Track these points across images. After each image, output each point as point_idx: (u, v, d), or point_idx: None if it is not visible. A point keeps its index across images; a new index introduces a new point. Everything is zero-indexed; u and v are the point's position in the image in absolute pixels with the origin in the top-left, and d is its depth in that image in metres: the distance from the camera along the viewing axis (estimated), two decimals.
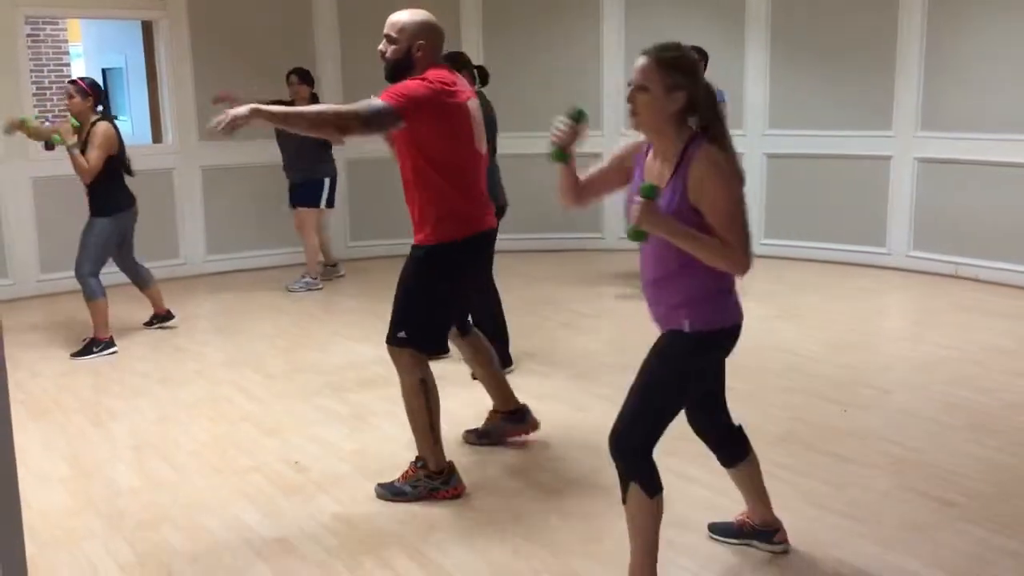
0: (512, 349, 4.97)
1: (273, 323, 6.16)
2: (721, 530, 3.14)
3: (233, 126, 3.08)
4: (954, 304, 6.38)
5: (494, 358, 4.00)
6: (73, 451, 3.99)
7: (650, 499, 2.62)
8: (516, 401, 4.01)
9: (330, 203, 7.09)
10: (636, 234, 2.46)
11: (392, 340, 3.46)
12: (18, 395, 4.71)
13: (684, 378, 2.69)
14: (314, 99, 6.92)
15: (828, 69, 7.58)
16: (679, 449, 3.87)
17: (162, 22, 7.39)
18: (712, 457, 3.79)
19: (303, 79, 6.92)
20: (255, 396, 4.68)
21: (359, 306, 6.66)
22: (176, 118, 7.51)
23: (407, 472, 3.54)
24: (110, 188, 5.45)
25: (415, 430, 3.52)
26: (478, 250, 3.59)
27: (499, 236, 3.79)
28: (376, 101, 3.21)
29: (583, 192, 2.81)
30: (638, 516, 2.66)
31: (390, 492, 3.49)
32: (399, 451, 3.91)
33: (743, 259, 2.47)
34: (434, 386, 3.49)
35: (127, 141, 5.65)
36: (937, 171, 7.17)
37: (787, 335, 5.71)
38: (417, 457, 3.53)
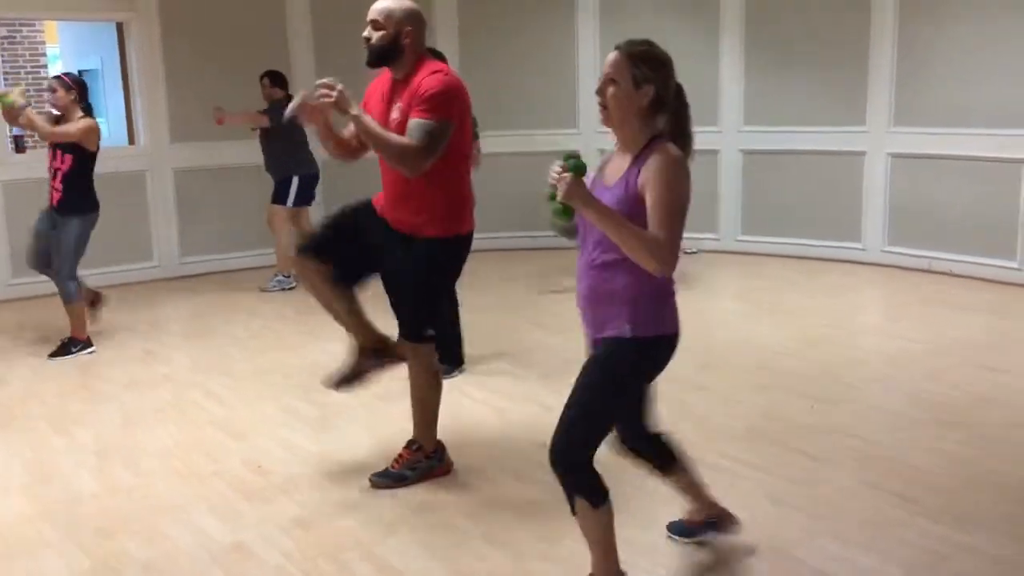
0: (484, 349, 4.96)
1: (245, 325, 6.12)
2: (678, 530, 3.12)
3: (338, 106, 3.21)
4: (927, 298, 6.40)
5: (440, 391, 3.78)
6: (35, 458, 3.96)
7: (596, 509, 2.58)
8: (436, 440, 3.71)
9: (302, 202, 7.01)
10: (562, 211, 2.40)
11: (417, 338, 3.53)
12: None
13: (621, 386, 2.62)
14: (288, 100, 6.88)
15: (802, 65, 7.59)
16: None
17: (133, 24, 7.35)
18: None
19: (275, 82, 6.90)
20: (223, 400, 4.65)
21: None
22: (148, 120, 7.47)
23: (402, 456, 3.62)
24: (86, 187, 5.40)
25: (423, 418, 3.63)
26: (470, 245, 3.62)
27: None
28: (425, 122, 3.27)
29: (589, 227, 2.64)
30: (589, 527, 2.64)
31: (391, 479, 3.56)
32: (362, 454, 3.91)
33: (669, 257, 2.40)
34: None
35: (104, 143, 5.62)
36: (911, 166, 7.19)
37: (761, 331, 5.71)
38: (411, 441, 3.64)
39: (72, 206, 5.38)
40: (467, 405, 4.46)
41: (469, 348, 4.98)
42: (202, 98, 7.33)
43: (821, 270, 7.34)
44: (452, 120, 3.33)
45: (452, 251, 3.52)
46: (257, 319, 6.29)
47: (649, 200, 2.43)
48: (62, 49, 12.94)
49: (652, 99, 2.51)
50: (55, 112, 5.41)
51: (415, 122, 3.29)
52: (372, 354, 3.70)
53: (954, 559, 2.95)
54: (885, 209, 7.36)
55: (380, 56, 3.42)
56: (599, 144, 7.07)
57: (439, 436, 3.70)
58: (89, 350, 5.45)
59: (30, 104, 5.37)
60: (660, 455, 2.96)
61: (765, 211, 7.92)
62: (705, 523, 3.06)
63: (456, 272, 3.64)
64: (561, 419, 2.57)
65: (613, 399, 2.61)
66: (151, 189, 7.51)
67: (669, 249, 2.40)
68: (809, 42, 7.52)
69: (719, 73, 7.90)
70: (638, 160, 2.50)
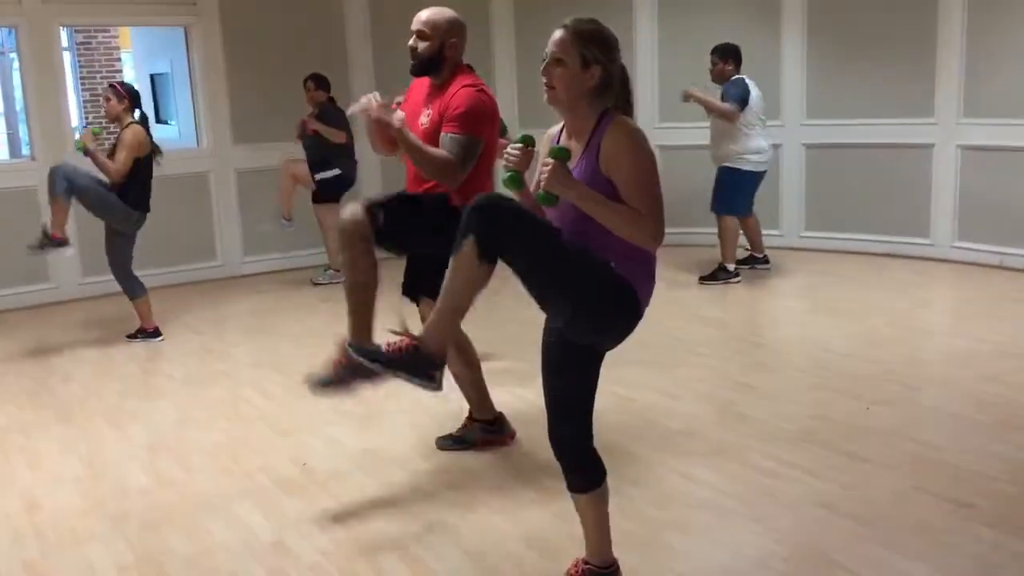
0: (492, 344, 4.95)
1: (303, 323, 6.20)
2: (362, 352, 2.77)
3: (379, 122, 3.32)
4: (997, 296, 6.17)
5: (477, 362, 3.92)
6: (90, 452, 4.06)
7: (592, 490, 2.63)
8: (494, 410, 3.94)
9: (329, 192, 7.08)
10: (545, 198, 2.41)
11: None
12: (48, 399, 4.84)
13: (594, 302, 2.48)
14: (332, 103, 6.99)
15: (867, 56, 7.36)
16: (686, 449, 3.82)
17: (196, 28, 7.50)
18: (722, 455, 3.74)
19: (319, 84, 7.00)
20: (274, 396, 4.72)
21: (386, 304, 6.65)
22: (211, 122, 7.61)
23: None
24: (136, 190, 5.56)
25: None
26: None
27: None
28: (459, 137, 3.40)
29: (540, 209, 2.62)
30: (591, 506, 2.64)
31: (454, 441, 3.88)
32: (406, 452, 3.92)
33: (655, 228, 2.37)
34: None
35: (174, 145, 5.80)
36: (981, 159, 6.93)
37: (820, 330, 5.57)
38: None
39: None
40: (513, 404, 4.45)
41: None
42: (263, 100, 7.46)
43: (887, 267, 7.13)
44: (482, 137, 3.46)
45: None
46: (314, 317, 6.36)
47: (620, 176, 2.39)
48: (135, 54, 13.32)
49: (599, 80, 2.46)
50: (107, 121, 5.61)
51: (449, 137, 3.42)
52: (486, 426, 3.92)
53: (1009, 568, 2.83)
54: (955, 203, 7.11)
55: (426, 66, 3.55)
56: (655, 141, 6.98)
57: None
58: (158, 339, 5.68)
59: (102, 145, 5.62)
60: (582, 468, 2.64)
61: (829, 206, 7.72)
62: (596, 569, 2.70)
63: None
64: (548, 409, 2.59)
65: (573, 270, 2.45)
66: (214, 190, 7.66)
67: (655, 219, 2.38)
68: (874, 31, 7.29)
69: (780, 65, 7.72)
70: (593, 138, 2.46)
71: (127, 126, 5.54)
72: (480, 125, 3.47)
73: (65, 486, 3.71)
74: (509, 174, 2.50)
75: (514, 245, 2.40)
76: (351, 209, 3.45)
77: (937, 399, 4.36)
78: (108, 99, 5.55)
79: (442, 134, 3.45)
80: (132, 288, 5.67)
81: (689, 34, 7.85)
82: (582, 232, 2.43)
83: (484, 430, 3.92)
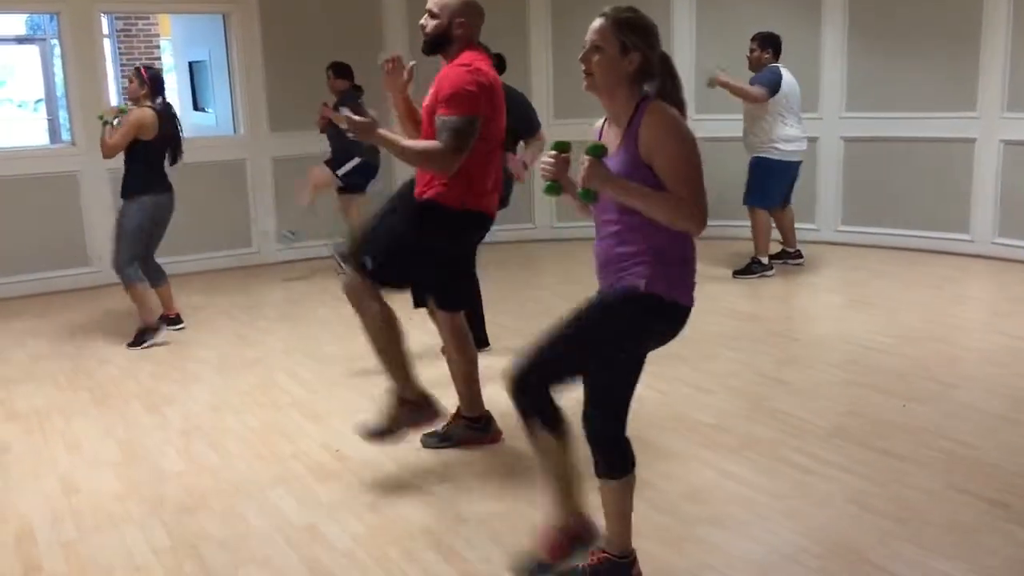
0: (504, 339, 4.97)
1: (335, 310, 6.21)
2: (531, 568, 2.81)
3: (357, 129, 3.26)
4: None
5: (474, 356, 3.89)
6: (127, 436, 4.13)
7: (554, 436, 2.59)
8: (483, 408, 3.89)
9: (353, 184, 7.11)
10: (585, 194, 2.43)
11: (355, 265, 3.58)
12: (86, 382, 4.91)
13: (623, 338, 2.52)
14: (357, 90, 7.01)
15: (908, 47, 7.26)
16: (719, 443, 3.81)
17: (234, 16, 7.56)
18: (754, 450, 3.73)
19: (338, 73, 6.99)
20: (307, 383, 4.76)
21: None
22: (248, 109, 7.68)
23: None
24: (139, 172, 5.52)
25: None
26: (475, 226, 3.65)
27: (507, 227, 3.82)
28: (448, 119, 3.32)
29: (585, 207, 2.66)
30: (544, 453, 2.64)
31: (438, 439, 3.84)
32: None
33: (698, 213, 2.39)
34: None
35: (211, 133, 5.79)
36: None
37: (855, 325, 5.52)
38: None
39: (125, 190, 5.55)
40: None
41: None
42: (300, 88, 7.49)
43: (925, 262, 7.04)
44: (474, 115, 3.35)
45: (439, 219, 3.52)
46: (347, 304, 6.34)
47: (661, 162, 2.40)
48: (174, 41, 13.41)
49: (638, 66, 2.47)
50: (129, 102, 5.63)
51: (439, 119, 3.35)
52: (411, 408, 3.68)
53: None
54: (996, 199, 7.00)
55: (433, 45, 3.52)
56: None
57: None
58: (159, 334, 5.53)
59: (111, 124, 5.56)
60: (611, 454, 2.66)
61: (867, 200, 7.63)
62: (613, 558, 2.69)
63: (442, 244, 3.62)
64: (535, 343, 2.55)
65: (609, 347, 2.52)
66: (251, 177, 7.73)
67: (697, 205, 2.39)
68: (916, 22, 7.19)
69: (820, 56, 7.63)
70: (631, 125, 2.46)
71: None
72: (468, 104, 3.33)
73: (102, 469, 3.77)
74: (548, 184, 2.53)
75: (560, 381, 2.53)
76: (343, 277, 3.62)
77: (973, 397, 4.30)
78: (131, 80, 5.61)
79: (436, 116, 3.37)
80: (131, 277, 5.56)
81: (727, 24, 7.79)
82: (626, 224, 2.46)
83: (468, 427, 3.87)
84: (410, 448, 3.86)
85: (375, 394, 4.52)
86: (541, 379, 2.54)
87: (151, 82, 5.58)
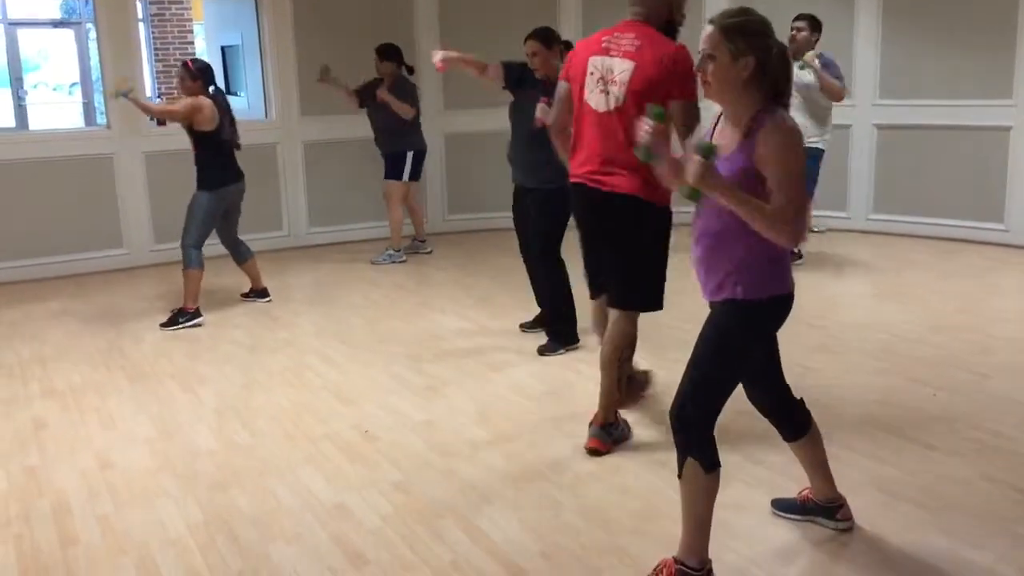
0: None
1: (364, 294, 6.29)
2: (784, 506, 3.10)
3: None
4: None
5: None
6: (161, 414, 4.19)
7: (706, 474, 2.58)
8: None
9: (414, 176, 7.15)
10: (691, 193, 2.44)
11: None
12: (120, 360, 4.98)
13: (740, 348, 2.64)
14: (410, 71, 7.02)
15: (943, 34, 7.17)
16: (745, 429, 3.80)
17: (266, 0, 7.59)
18: (777, 437, 3.70)
19: (384, 55, 6.93)
20: (338, 365, 4.80)
21: (449, 278, 6.74)
22: (279, 94, 7.72)
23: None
24: (213, 163, 5.66)
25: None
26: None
27: None
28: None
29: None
30: (692, 493, 2.61)
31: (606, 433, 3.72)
32: (467, 423, 3.97)
33: (799, 228, 2.44)
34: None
35: (243, 116, 5.84)
36: None
37: (887, 314, 5.48)
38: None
39: (200, 181, 5.68)
40: (574, 380, 4.47)
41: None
42: (332, 73, 7.51)
43: (958, 251, 6.97)
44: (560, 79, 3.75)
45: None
46: (377, 288, 6.44)
47: (772, 173, 2.43)
48: (207, 26, 13.50)
49: (753, 70, 2.46)
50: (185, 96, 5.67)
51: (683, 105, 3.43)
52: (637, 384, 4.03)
53: None
54: None
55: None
56: None
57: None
58: (196, 321, 5.59)
59: (132, 89, 5.67)
60: (787, 421, 2.95)
61: (899, 189, 7.56)
62: (818, 506, 3.00)
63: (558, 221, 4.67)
64: (682, 382, 2.61)
65: (732, 361, 2.63)
66: (282, 161, 7.78)
67: (799, 220, 2.44)
68: (951, 8, 7.09)
69: (853, 43, 7.55)
70: (751, 133, 2.47)
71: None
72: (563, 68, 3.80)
73: (137, 445, 3.83)
74: (643, 148, 2.52)
75: (712, 409, 2.60)
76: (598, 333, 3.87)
77: (1006, 387, 4.26)
78: (182, 79, 5.63)
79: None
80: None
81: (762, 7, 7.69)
82: (724, 223, 2.51)
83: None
84: (437, 430, 3.89)
85: (403, 376, 4.57)
86: (692, 413, 2.59)
87: (201, 73, 5.63)
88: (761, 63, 2.47)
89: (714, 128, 2.65)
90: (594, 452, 3.59)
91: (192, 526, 3.13)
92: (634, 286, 3.61)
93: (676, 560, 2.64)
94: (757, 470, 3.43)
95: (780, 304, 2.63)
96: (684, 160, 2.44)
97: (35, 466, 3.65)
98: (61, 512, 3.25)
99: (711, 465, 2.58)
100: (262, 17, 7.73)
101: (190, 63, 5.71)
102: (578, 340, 4.92)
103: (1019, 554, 2.82)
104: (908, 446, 3.61)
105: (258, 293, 6.17)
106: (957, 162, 7.25)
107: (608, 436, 3.64)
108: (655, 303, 3.67)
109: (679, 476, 2.62)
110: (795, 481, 3.32)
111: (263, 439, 3.87)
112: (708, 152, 2.37)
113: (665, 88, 3.34)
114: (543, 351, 4.84)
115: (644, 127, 2.51)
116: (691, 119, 3.37)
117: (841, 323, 5.44)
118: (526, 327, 5.21)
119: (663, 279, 3.66)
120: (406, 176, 7.07)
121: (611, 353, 3.65)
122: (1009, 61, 6.87)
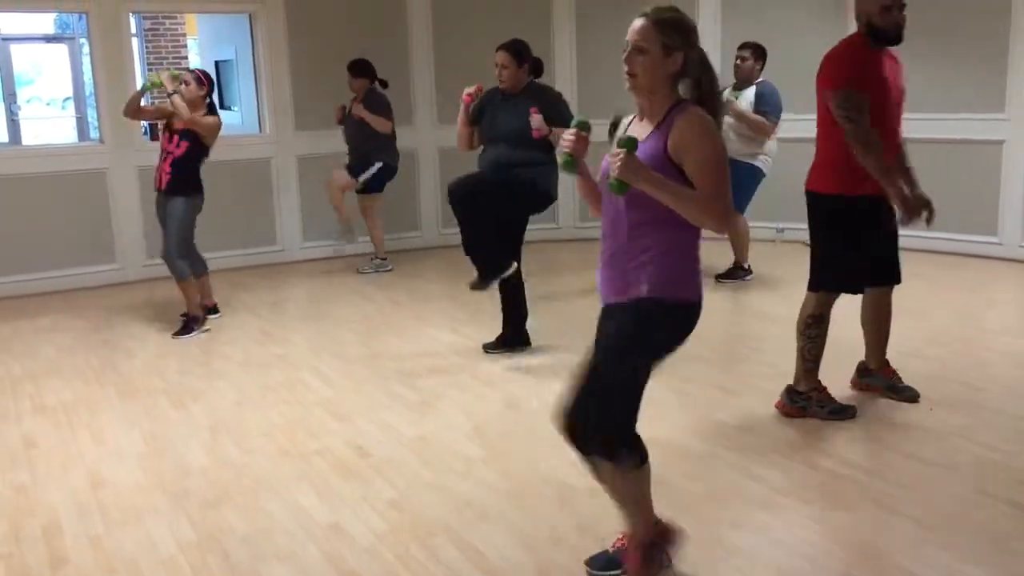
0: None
1: (358, 309, 6.27)
2: (599, 563, 2.84)
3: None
4: None
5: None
6: (153, 430, 4.15)
7: (639, 468, 2.63)
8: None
9: (375, 187, 7.20)
10: (618, 186, 2.43)
11: None
12: (112, 376, 4.95)
13: (645, 346, 2.54)
14: (383, 85, 7.06)
15: (935, 47, 7.18)
16: (743, 445, 3.79)
17: (260, 15, 7.60)
18: (776, 454, 3.70)
19: (356, 72, 7.00)
20: (330, 381, 4.77)
21: (443, 292, 6.73)
22: (273, 108, 7.71)
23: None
24: (195, 171, 5.65)
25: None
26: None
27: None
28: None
29: (595, 196, 2.71)
30: (627, 487, 2.66)
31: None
32: (461, 439, 3.94)
33: (723, 211, 2.45)
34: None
35: (237, 131, 5.85)
36: None
37: None
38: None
39: (179, 187, 5.62)
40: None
41: None
42: (325, 87, 7.52)
43: (951, 265, 6.97)
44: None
45: None
46: (371, 303, 6.42)
47: (692, 162, 2.45)
48: (200, 41, 13.51)
49: (681, 66, 2.50)
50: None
51: None
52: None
53: None
54: None
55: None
56: None
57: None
58: (206, 327, 5.68)
59: (178, 91, 5.61)
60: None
61: None
62: (645, 545, 2.71)
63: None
64: (582, 387, 2.55)
65: (638, 360, 2.54)
66: (276, 176, 7.76)
67: (726, 205, 2.46)
68: (942, 22, 7.11)
69: None
70: (663, 126, 2.49)
71: (206, 115, 5.62)
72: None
73: (128, 463, 3.80)
74: (565, 158, 2.57)
75: (631, 410, 2.56)
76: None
77: (1002, 401, 4.25)
78: (189, 83, 5.60)
79: None
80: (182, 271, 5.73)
81: (751, 22, 7.73)
82: (634, 220, 2.50)
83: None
84: (431, 446, 3.87)
85: (397, 392, 4.54)
86: (606, 428, 2.55)
87: (210, 84, 5.69)
88: (687, 61, 2.50)
89: (628, 125, 2.67)
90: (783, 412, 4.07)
91: (184, 545, 3.09)
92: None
93: (642, 544, 2.68)
94: (754, 487, 3.41)
95: (686, 312, 2.55)
96: (607, 157, 2.47)
97: (26, 484, 3.61)
98: (51, 531, 3.21)
99: (642, 459, 2.63)
100: (256, 32, 7.73)
101: (200, 72, 5.75)
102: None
103: (1017, 570, 2.81)
104: (904, 461, 3.60)
105: (208, 309, 5.99)
106: (950, 176, 7.23)
107: (792, 402, 4.07)
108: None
109: (597, 478, 2.67)
110: (794, 497, 3.31)
111: (255, 456, 3.84)
112: (631, 144, 2.41)
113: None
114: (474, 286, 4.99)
115: (567, 135, 2.56)
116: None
117: (837, 337, 5.40)
118: (489, 348, 5.16)
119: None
120: (362, 178, 7.09)
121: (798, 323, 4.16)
122: (1001, 74, 6.89)
